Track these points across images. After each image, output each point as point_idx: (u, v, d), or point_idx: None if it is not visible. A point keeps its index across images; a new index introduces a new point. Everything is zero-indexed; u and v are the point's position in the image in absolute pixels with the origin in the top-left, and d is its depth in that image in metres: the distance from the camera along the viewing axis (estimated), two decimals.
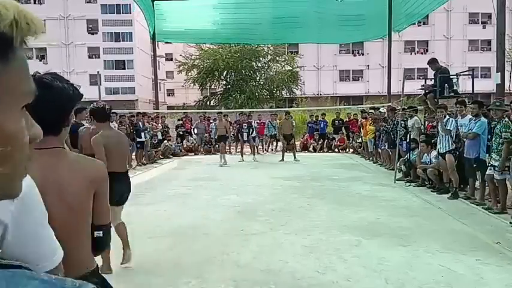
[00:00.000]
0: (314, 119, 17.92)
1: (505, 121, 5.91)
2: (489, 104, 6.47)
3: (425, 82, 10.38)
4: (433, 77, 9.44)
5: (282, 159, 12.93)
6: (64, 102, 1.43)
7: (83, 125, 8.52)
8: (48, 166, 1.45)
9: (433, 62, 9.20)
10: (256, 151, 14.74)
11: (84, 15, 40.50)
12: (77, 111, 8.46)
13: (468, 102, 7.51)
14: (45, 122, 1.31)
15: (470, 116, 6.78)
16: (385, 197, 7.38)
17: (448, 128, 7.10)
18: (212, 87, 35.03)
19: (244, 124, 14.35)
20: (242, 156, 13.97)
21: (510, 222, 5.17)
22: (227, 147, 16.89)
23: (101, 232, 1.64)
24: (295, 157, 12.86)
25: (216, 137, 13.56)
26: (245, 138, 14.30)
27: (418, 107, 10.86)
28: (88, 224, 1.56)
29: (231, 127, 16.64)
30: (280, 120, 17.54)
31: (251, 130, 14.54)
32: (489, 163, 6.18)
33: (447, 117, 7.39)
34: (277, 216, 6.02)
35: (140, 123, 12.99)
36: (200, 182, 9.39)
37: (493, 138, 6.01)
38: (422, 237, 4.88)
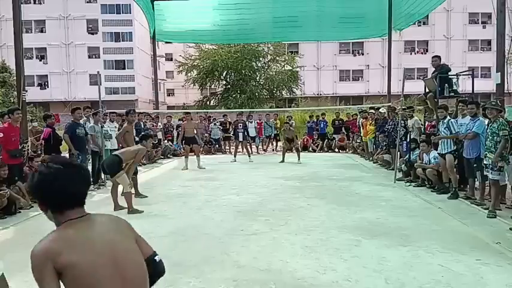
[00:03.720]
0: (315, 119, 17.90)
1: (502, 120, 5.94)
2: (485, 103, 6.48)
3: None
4: (433, 74, 9.47)
5: (283, 161, 12.90)
6: (89, 178, 1.70)
7: (80, 124, 8.56)
8: (93, 232, 1.58)
9: (436, 58, 9.27)
10: (251, 151, 14.71)
11: (84, 15, 40.51)
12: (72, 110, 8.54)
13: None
14: (77, 196, 1.62)
15: (470, 116, 6.78)
16: (385, 197, 7.38)
17: (455, 132, 7.10)
18: (212, 87, 35.04)
19: (239, 124, 14.29)
20: (235, 156, 13.92)
21: (510, 228, 5.15)
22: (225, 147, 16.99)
23: (158, 256, 1.88)
24: (299, 158, 12.79)
25: (182, 139, 12.13)
26: (240, 138, 14.18)
27: (417, 107, 10.86)
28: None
29: (230, 127, 16.70)
30: (277, 121, 17.59)
31: (246, 131, 14.40)
32: (484, 163, 6.16)
33: (448, 117, 7.39)
34: (277, 216, 6.02)
35: (142, 123, 12.99)
36: (200, 181, 9.39)
37: (489, 137, 6.01)
38: (422, 237, 4.88)
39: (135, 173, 7.70)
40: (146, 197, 7.58)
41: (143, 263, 1.69)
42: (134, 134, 8.60)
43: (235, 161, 13.53)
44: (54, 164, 1.56)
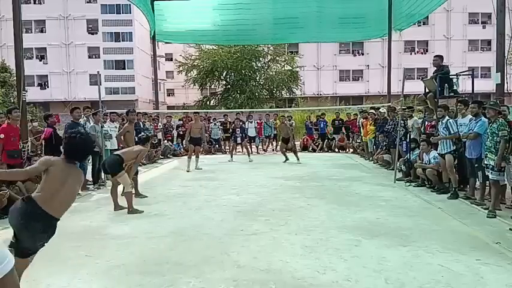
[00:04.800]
0: (311, 119, 17.92)
1: (501, 120, 5.94)
2: (485, 103, 6.48)
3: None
4: (432, 75, 9.47)
5: (286, 160, 12.87)
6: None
7: (80, 124, 8.56)
8: (65, 171, 3.15)
9: (437, 57, 9.26)
10: (251, 151, 14.70)
11: (84, 15, 40.52)
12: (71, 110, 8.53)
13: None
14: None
15: (471, 116, 6.78)
16: (385, 197, 7.37)
17: (453, 132, 7.12)
18: (212, 87, 35.05)
19: (237, 129, 14.32)
20: (232, 156, 13.91)
21: (510, 229, 5.15)
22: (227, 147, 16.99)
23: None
24: (298, 159, 12.74)
25: (188, 139, 11.72)
26: (238, 141, 14.27)
27: (417, 107, 10.85)
28: None
29: (230, 127, 16.70)
30: (277, 121, 17.58)
31: (244, 134, 14.48)
32: (485, 163, 6.17)
33: (446, 117, 7.38)
34: (277, 216, 6.02)
35: (141, 123, 12.97)
36: (200, 181, 9.39)
37: (489, 138, 6.01)
38: (422, 237, 4.88)
39: (136, 173, 7.71)
40: (146, 197, 7.58)
41: (73, 197, 3.22)
42: (134, 134, 8.59)
43: (232, 160, 13.52)
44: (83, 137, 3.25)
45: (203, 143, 12.50)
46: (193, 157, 11.72)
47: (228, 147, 16.87)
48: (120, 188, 6.69)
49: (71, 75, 41.10)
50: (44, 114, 8.97)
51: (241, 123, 14.83)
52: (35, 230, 2.93)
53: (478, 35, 40.12)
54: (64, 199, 3.06)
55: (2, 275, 1.13)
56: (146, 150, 7.24)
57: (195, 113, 13.20)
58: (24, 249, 2.95)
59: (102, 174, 9.04)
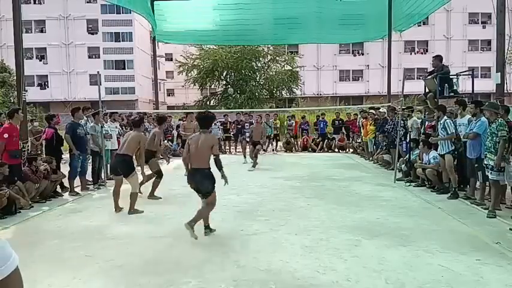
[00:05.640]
0: (304, 119, 17.94)
1: (500, 121, 5.94)
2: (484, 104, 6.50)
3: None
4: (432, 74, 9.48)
5: (254, 165, 11.66)
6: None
7: (81, 124, 8.56)
8: (198, 138, 5.10)
9: (437, 58, 9.26)
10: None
11: (84, 15, 40.52)
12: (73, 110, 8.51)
13: (468, 102, 7.52)
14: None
15: (469, 116, 6.78)
16: (385, 197, 7.38)
17: (450, 132, 7.13)
18: (212, 87, 35.05)
19: (246, 124, 14.00)
20: (245, 157, 13.24)
21: (510, 229, 5.16)
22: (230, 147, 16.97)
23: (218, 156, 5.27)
24: (254, 165, 11.67)
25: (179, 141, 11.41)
26: (248, 139, 13.54)
27: (417, 107, 10.85)
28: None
29: (230, 127, 16.65)
30: (277, 121, 17.51)
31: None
32: (485, 163, 6.17)
33: (444, 118, 7.37)
34: (277, 216, 6.02)
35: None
36: None
37: (489, 138, 6.02)
38: (422, 237, 4.88)
39: (160, 176, 7.74)
40: (160, 198, 7.57)
41: (206, 153, 5.03)
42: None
43: (246, 162, 12.76)
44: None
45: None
46: None
47: (228, 147, 16.83)
48: (122, 188, 6.66)
49: (71, 75, 41.09)
50: (47, 115, 8.93)
51: (249, 119, 14.26)
52: (200, 180, 5.09)
53: (478, 35, 40.12)
54: (201, 155, 4.94)
55: (6, 274, 1.16)
56: (142, 135, 6.96)
57: (186, 113, 12.69)
58: (207, 192, 5.22)
59: (102, 174, 9.04)
